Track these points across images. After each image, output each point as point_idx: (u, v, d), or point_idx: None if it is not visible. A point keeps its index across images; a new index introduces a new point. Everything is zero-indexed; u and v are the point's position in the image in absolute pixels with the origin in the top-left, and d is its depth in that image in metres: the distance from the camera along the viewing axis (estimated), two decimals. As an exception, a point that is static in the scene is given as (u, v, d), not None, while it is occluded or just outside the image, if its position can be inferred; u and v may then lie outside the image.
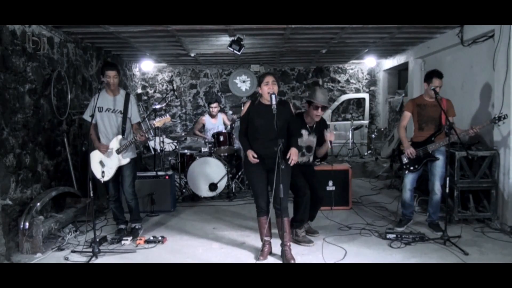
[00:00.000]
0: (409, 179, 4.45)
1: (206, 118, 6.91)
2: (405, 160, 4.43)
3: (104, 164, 4.24)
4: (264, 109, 3.59)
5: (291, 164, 3.55)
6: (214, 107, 6.84)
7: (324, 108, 4.05)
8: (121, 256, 3.92)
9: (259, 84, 3.66)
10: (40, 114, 4.70)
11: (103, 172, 4.20)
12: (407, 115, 4.47)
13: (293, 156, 3.53)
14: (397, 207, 4.83)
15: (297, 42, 6.59)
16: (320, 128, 4.20)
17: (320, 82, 10.03)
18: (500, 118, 4.04)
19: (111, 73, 4.16)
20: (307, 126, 4.16)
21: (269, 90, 3.55)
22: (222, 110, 6.90)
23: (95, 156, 4.26)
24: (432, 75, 4.28)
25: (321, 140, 4.20)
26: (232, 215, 5.31)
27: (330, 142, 4.11)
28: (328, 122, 9.30)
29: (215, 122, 6.85)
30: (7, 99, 4.05)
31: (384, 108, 9.94)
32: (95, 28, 5.17)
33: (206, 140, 6.55)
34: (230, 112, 7.33)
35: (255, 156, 3.59)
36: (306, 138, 4.14)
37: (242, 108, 3.89)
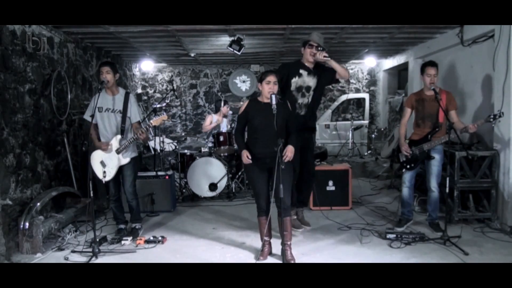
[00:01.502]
0: (408, 176, 4.47)
1: (212, 117, 6.88)
2: (402, 158, 4.44)
3: (105, 164, 4.24)
4: (263, 107, 3.59)
5: (285, 161, 3.46)
6: (226, 107, 6.81)
7: (320, 50, 4.02)
8: (121, 256, 3.92)
9: (260, 81, 3.66)
10: (40, 114, 4.70)
11: (104, 172, 4.21)
12: (407, 111, 4.49)
13: (289, 153, 3.52)
14: (398, 207, 4.82)
15: (297, 42, 6.55)
16: (320, 68, 4.18)
17: None
18: (496, 117, 4.03)
19: (104, 69, 4.17)
20: (306, 67, 4.16)
21: (269, 90, 3.56)
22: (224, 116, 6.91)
23: (96, 156, 4.26)
24: (425, 65, 4.30)
25: (330, 72, 4.14)
26: (232, 215, 5.31)
27: (328, 58, 4.01)
28: (328, 122, 9.40)
29: (221, 119, 6.82)
30: (7, 99, 4.05)
31: (384, 108, 9.94)
32: (95, 28, 5.17)
33: (220, 127, 6.52)
34: (231, 112, 7.32)
35: (249, 157, 3.60)
36: (306, 78, 4.14)
37: (241, 107, 3.89)
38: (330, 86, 10.14)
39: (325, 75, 4.20)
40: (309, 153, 4.26)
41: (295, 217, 4.27)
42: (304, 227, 4.38)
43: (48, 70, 4.93)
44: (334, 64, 4.04)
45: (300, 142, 3.98)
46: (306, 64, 4.19)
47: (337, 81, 4.33)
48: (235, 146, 6.40)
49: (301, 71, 4.14)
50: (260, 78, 3.68)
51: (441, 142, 4.21)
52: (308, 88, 4.16)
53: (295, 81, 4.15)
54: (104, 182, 4.26)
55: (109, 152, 4.22)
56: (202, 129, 6.81)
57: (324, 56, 3.97)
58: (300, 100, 4.16)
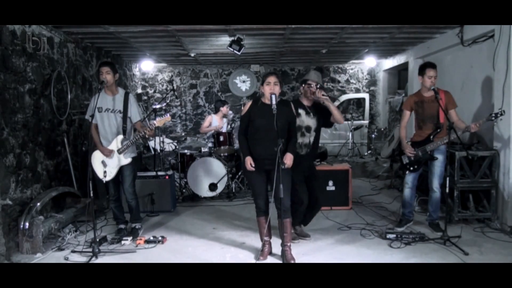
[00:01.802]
0: (410, 177, 4.46)
1: (212, 117, 6.88)
2: (405, 161, 4.43)
3: (106, 164, 4.24)
4: (265, 109, 3.59)
5: (284, 167, 3.49)
6: (226, 108, 6.81)
7: (319, 88, 3.99)
8: (121, 256, 3.92)
9: (262, 83, 3.68)
10: (40, 114, 4.70)
11: (105, 172, 4.21)
12: (406, 113, 4.47)
13: (288, 161, 3.54)
14: (400, 208, 4.82)
15: (297, 42, 6.59)
16: (318, 108, 4.13)
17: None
18: (497, 115, 4.04)
19: (103, 69, 4.17)
20: (305, 106, 4.11)
21: (270, 91, 3.56)
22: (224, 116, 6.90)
23: (97, 156, 4.26)
24: (425, 66, 4.28)
25: (327, 114, 4.09)
26: (232, 215, 5.31)
27: (328, 99, 3.96)
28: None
29: (221, 123, 6.82)
30: (7, 99, 4.05)
31: (384, 108, 9.95)
32: (95, 28, 5.17)
33: (219, 129, 6.50)
34: (231, 112, 7.32)
35: (253, 164, 3.60)
36: (304, 118, 4.08)
37: (243, 107, 3.89)
38: (330, 86, 10.16)
39: (322, 116, 4.13)
40: (314, 181, 4.21)
41: (292, 231, 4.21)
42: (303, 238, 4.32)
43: (48, 70, 4.93)
44: (331, 106, 3.97)
45: (305, 172, 4.02)
46: (304, 103, 4.13)
47: (331, 125, 4.25)
48: (235, 146, 6.40)
49: (299, 110, 4.06)
50: (262, 80, 3.70)
51: (443, 142, 4.21)
52: (308, 128, 4.09)
53: None
54: (105, 182, 4.26)
55: (111, 156, 4.23)
56: (200, 129, 6.79)
57: (323, 95, 3.92)
58: (300, 140, 4.05)
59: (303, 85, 4.12)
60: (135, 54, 7.80)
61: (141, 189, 5.13)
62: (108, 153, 4.21)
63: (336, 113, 3.98)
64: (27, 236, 3.98)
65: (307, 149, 4.09)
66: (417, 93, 4.47)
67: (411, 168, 4.41)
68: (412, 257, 3.75)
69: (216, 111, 6.78)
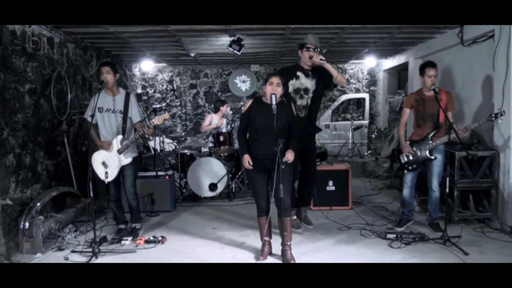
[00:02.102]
0: (409, 177, 4.45)
1: (212, 117, 6.88)
2: (403, 160, 4.43)
3: (107, 165, 4.24)
4: (265, 108, 3.58)
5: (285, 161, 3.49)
6: (226, 107, 6.80)
7: (317, 52, 4.03)
8: (121, 256, 3.92)
9: (264, 83, 3.69)
10: (40, 114, 4.70)
11: (106, 173, 4.20)
12: (406, 111, 4.47)
13: (290, 156, 3.54)
14: (399, 208, 4.82)
15: (297, 42, 6.57)
16: (318, 71, 4.16)
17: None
18: (497, 115, 4.04)
19: (104, 69, 4.17)
20: (304, 69, 4.15)
21: (271, 91, 3.56)
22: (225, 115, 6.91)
23: (98, 157, 4.26)
24: (424, 65, 4.29)
25: (329, 76, 4.10)
26: (232, 215, 5.31)
27: (325, 61, 3.98)
28: (328, 122, 9.39)
29: (221, 121, 6.82)
30: (7, 99, 4.05)
31: (384, 108, 9.95)
32: (95, 28, 5.17)
33: (219, 128, 6.50)
34: (231, 112, 7.31)
35: (251, 163, 3.60)
36: (304, 80, 4.13)
37: (243, 106, 3.89)
38: (330, 86, 10.15)
39: (323, 79, 4.19)
40: (310, 155, 4.25)
41: (295, 217, 4.26)
42: (306, 226, 4.37)
43: (48, 70, 4.93)
44: (330, 68, 4.02)
45: (301, 144, 3.97)
46: (304, 66, 4.19)
47: (335, 86, 4.31)
48: (235, 146, 6.40)
49: (298, 73, 4.14)
50: (264, 80, 3.71)
51: (443, 142, 4.21)
52: (306, 90, 4.16)
53: (292, 83, 4.16)
54: (106, 182, 4.26)
55: (110, 152, 4.23)
56: (201, 129, 6.80)
57: (321, 59, 3.96)
58: (298, 102, 4.16)
59: (301, 49, 4.13)
60: (135, 54, 7.80)
61: (141, 189, 5.13)
62: (107, 147, 4.21)
63: (336, 74, 4.03)
64: (27, 236, 3.98)
65: (305, 110, 4.16)
66: (418, 91, 4.46)
67: (409, 168, 4.41)
68: (412, 257, 3.75)
69: (216, 110, 6.78)
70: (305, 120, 4.19)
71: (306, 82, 4.15)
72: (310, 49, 4.08)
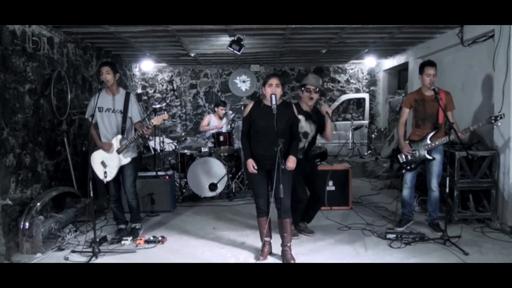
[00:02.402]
0: (409, 177, 4.45)
1: (210, 117, 6.89)
2: (402, 159, 4.43)
3: (106, 164, 4.24)
4: (266, 110, 3.57)
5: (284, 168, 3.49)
6: (221, 110, 6.82)
7: (317, 92, 4.01)
8: (121, 256, 3.92)
9: (264, 85, 3.67)
10: (40, 114, 4.70)
11: (105, 172, 4.21)
12: (405, 111, 4.47)
13: (290, 164, 3.54)
14: (396, 207, 4.82)
15: (297, 42, 6.59)
16: (319, 116, 4.15)
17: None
18: (497, 118, 4.04)
19: (104, 69, 4.17)
20: (304, 111, 4.11)
21: (271, 92, 3.55)
22: (225, 115, 6.92)
23: (97, 157, 4.26)
24: (424, 64, 4.28)
25: (322, 126, 4.13)
26: (232, 215, 5.31)
27: (330, 117, 4.01)
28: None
29: (220, 123, 6.82)
30: (7, 99, 4.05)
31: (384, 108, 9.95)
32: (95, 28, 5.17)
33: (218, 130, 6.50)
34: (231, 112, 7.32)
35: (255, 167, 3.59)
36: (304, 123, 4.08)
37: (244, 108, 3.88)
38: (330, 86, 10.15)
39: (319, 122, 4.13)
40: (316, 181, 4.20)
41: (292, 227, 4.22)
42: (307, 235, 4.33)
43: (48, 70, 4.93)
44: (328, 119, 3.99)
45: (304, 172, 4.02)
46: (304, 108, 4.12)
47: (322, 132, 4.21)
48: (235, 146, 6.40)
49: (299, 116, 4.03)
50: (263, 81, 3.69)
51: (442, 143, 4.21)
52: (305, 134, 4.10)
53: None
54: (105, 182, 4.26)
55: (110, 153, 4.23)
56: (200, 127, 6.84)
57: (327, 112, 3.94)
58: None
59: (302, 89, 4.11)
60: (135, 54, 7.80)
61: (141, 189, 5.13)
62: (108, 148, 4.21)
63: (328, 128, 4.05)
64: (27, 236, 3.98)
65: (302, 152, 4.11)
66: (418, 91, 4.45)
67: (408, 167, 4.41)
68: (412, 257, 3.75)
69: (214, 111, 6.83)
70: (302, 161, 4.05)
71: (306, 126, 4.09)
72: (311, 89, 4.01)
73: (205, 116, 7.08)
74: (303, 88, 4.10)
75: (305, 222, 4.39)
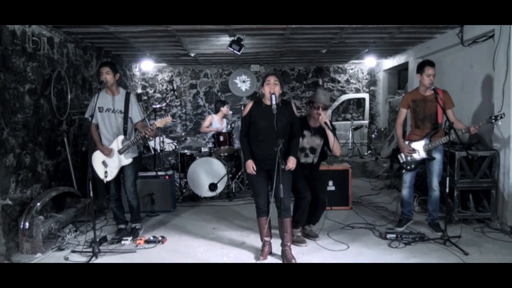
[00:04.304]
0: (408, 177, 4.45)
1: (213, 117, 6.88)
2: (401, 159, 4.43)
3: (107, 164, 4.25)
4: (266, 109, 3.57)
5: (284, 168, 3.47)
6: (226, 108, 6.80)
7: (325, 108, 4.02)
8: (121, 256, 3.92)
9: (262, 84, 3.67)
10: (40, 114, 4.70)
11: (106, 172, 4.21)
12: (403, 111, 4.47)
13: (291, 164, 3.54)
14: (396, 207, 4.82)
15: (297, 42, 6.59)
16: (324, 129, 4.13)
17: (320, 82, 10.03)
18: (497, 118, 4.03)
19: (103, 69, 4.17)
20: (310, 127, 4.10)
21: (270, 90, 3.55)
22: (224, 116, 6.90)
23: (98, 157, 4.27)
24: (423, 64, 4.27)
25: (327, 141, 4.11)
26: (232, 215, 5.31)
27: (332, 130, 3.98)
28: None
29: (221, 123, 6.81)
30: (7, 99, 4.05)
31: (384, 108, 9.95)
32: (95, 28, 5.17)
33: (217, 131, 6.49)
34: (231, 112, 7.31)
35: (255, 168, 3.59)
36: (309, 139, 4.08)
37: (243, 108, 3.87)
38: (330, 86, 10.16)
39: (326, 138, 4.09)
40: (317, 184, 4.18)
41: (299, 234, 4.21)
42: (312, 238, 4.33)
43: (48, 70, 4.93)
44: (330, 135, 3.93)
45: (303, 172, 4.01)
46: (311, 124, 4.10)
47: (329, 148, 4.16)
48: (235, 146, 6.40)
49: (305, 132, 4.04)
50: (262, 81, 3.69)
51: (442, 143, 4.21)
52: (312, 150, 4.09)
53: None
54: (105, 182, 4.26)
55: (111, 156, 4.23)
56: (201, 129, 6.81)
57: (325, 123, 3.90)
58: (302, 160, 4.06)
59: (310, 106, 4.09)
60: (135, 54, 7.80)
61: (141, 189, 5.13)
62: (108, 152, 4.21)
63: (333, 143, 3.97)
64: (27, 236, 3.98)
65: (308, 168, 4.13)
66: (415, 91, 4.44)
67: (408, 168, 4.40)
68: (412, 257, 3.75)
69: (217, 111, 6.78)
70: (308, 175, 4.07)
71: (312, 141, 4.07)
72: (319, 106, 3.97)
73: (206, 117, 7.06)
74: (311, 105, 4.07)
75: (310, 225, 4.39)
